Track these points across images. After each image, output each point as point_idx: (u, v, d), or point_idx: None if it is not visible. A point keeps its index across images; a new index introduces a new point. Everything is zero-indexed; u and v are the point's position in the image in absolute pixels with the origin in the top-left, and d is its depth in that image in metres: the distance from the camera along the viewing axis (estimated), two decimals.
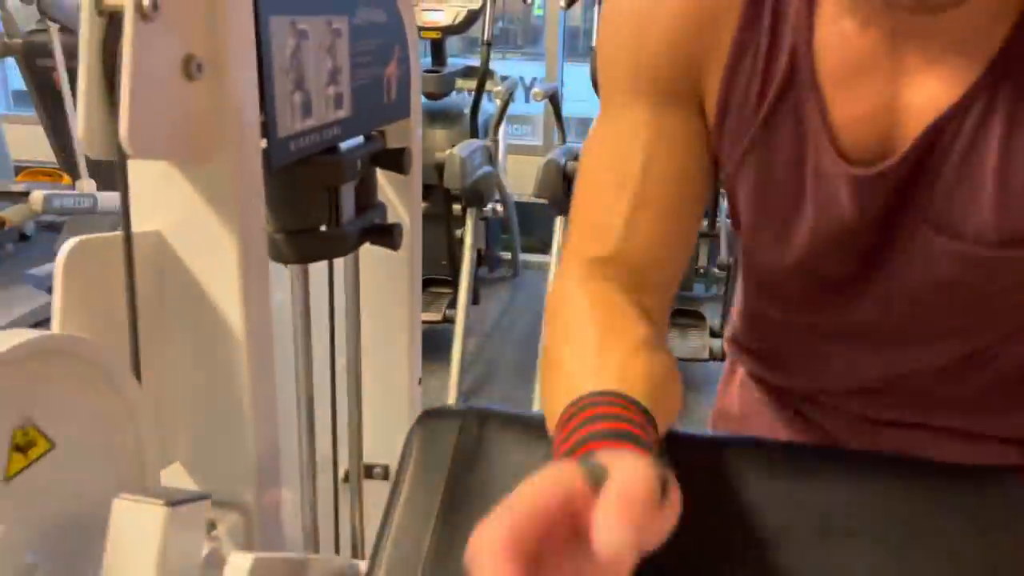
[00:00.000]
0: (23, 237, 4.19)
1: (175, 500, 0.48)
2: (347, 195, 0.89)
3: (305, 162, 0.79)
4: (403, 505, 0.56)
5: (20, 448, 0.49)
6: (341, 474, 1.16)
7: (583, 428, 0.44)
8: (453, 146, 2.77)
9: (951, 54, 0.51)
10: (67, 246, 0.58)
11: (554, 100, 3.30)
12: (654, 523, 0.37)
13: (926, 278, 0.57)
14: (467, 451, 0.58)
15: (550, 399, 0.51)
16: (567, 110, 3.46)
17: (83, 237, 0.59)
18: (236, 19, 0.64)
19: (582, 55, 2.90)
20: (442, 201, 2.95)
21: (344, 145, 0.88)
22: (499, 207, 3.39)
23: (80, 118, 0.56)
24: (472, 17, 3.23)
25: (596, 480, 0.36)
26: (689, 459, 0.50)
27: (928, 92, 0.52)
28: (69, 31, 3.36)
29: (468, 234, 2.92)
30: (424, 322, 2.93)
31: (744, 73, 0.55)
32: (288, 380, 0.97)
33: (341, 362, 1.08)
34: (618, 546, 0.34)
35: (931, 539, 0.51)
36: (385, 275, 1.07)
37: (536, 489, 0.36)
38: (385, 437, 1.06)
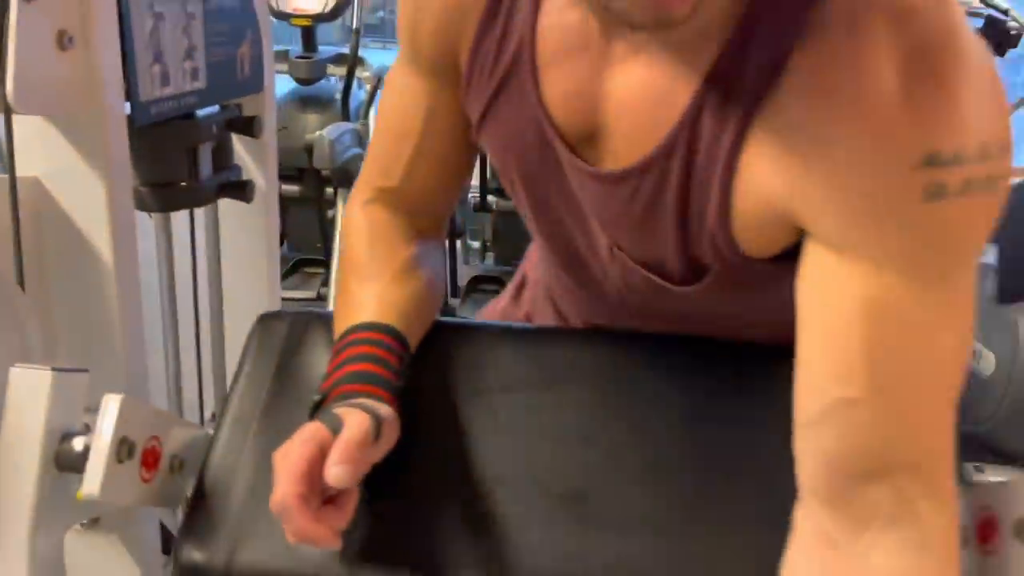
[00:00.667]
0: None
1: (59, 368, 0.64)
2: (204, 155, 1.04)
3: (165, 124, 0.94)
4: (242, 384, 0.73)
5: None
6: (208, 416, 1.31)
7: (340, 369, 0.62)
8: (322, 129, 2.89)
9: (652, 83, 0.55)
10: None
11: None
12: (371, 455, 0.57)
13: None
14: (292, 345, 0.75)
15: (335, 321, 0.68)
16: None
17: None
18: (102, 4, 0.78)
19: None
20: (314, 183, 3.06)
21: (201, 112, 1.03)
22: None
23: None
24: (342, 5, 3.35)
25: (335, 429, 0.56)
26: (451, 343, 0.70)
27: (630, 79, 0.56)
28: None
29: (339, 215, 3.05)
30: (299, 299, 3.04)
31: (483, 54, 0.64)
32: (157, 328, 1.11)
33: (204, 314, 1.22)
34: (336, 478, 0.53)
35: (638, 385, 0.71)
36: (244, 230, 1.23)
37: (298, 446, 0.55)
38: None
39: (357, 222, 0.75)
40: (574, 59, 0.59)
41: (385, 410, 0.60)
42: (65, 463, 0.63)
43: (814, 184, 0.49)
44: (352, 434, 0.55)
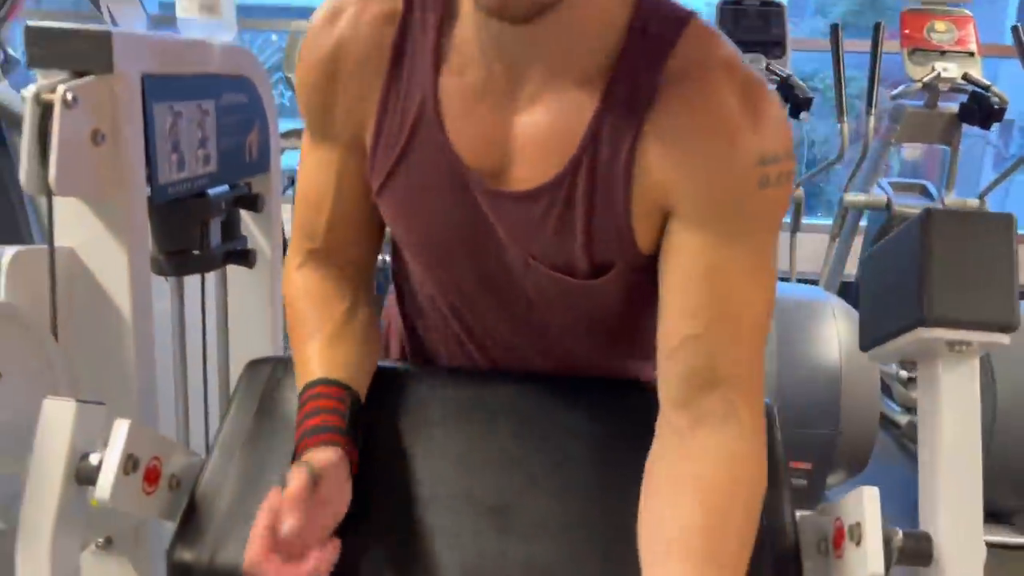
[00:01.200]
0: None
1: (82, 400, 0.79)
2: (214, 227, 1.21)
3: (180, 201, 1.11)
4: (231, 416, 0.88)
5: None
6: None
7: (301, 425, 0.74)
8: None
9: (542, 143, 0.71)
10: (10, 251, 0.89)
11: None
12: (330, 498, 0.70)
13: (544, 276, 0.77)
14: (273, 385, 0.90)
15: (296, 378, 0.80)
16: None
17: (21, 248, 0.90)
18: (129, 105, 0.96)
19: None
20: None
21: (212, 191, 1.21)
22: None
23: (23, 168, 0.87)
24: None
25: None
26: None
27: (525, 159, 0.72)
28: None
29: None
30: None
31: (389, 117, 0.74)
32: (169, 381, 1.26)
33: (212, 361, 1.38)
34: (288, 529, 0.65)
35: (553, 418, 0.85)
36: (250, 291, 1.39)
37: (261, 513, 0.66)
38: None
39: (294, 287, 0.85)
40: (480, 110, 0.72)
41: (326, 456, 0.71)
42: (83, 478, 0.78)
43: (684, 180, 0.68)
44: (290, 490, 0.66)
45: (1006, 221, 0.69)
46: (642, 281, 0.76)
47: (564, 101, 0.70)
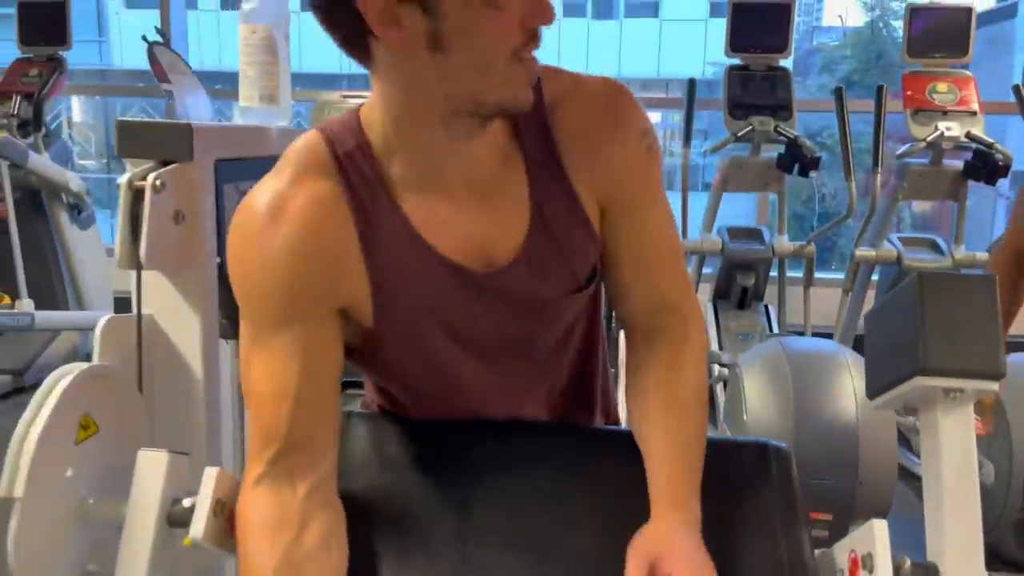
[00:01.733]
0: None
1: (172, 451, 0.88)
2: None
3: None
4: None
5: (83, 427, 0.89)
6: None
7: None
8: None
9: (507, 210, 0.85)
10: (103, 319, 1.00)
11: None
12: None
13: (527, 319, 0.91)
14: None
15: None
16: None
17: (112, 315, 1.01)
18: (205, 189, 1.09)
19: None
20: None
21: None
22: None
23: (117, 245, 0.99)
24: None
25: None
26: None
27: (500, 232, 0.85)
28: (17, 167, 3.74)
29: None
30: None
31: (374, 255, 0.82)
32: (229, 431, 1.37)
33: None
34: None
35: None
36: None
37: None
38: None
39: (245, 513, 0.83)
40: (448, 219, 0.84)
41: None
42: (175, 521, 0.87)
43: (609, 174, 0.88)
44: None
45: (990, 282, 0.79)
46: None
47: (502, 174, 0.86)
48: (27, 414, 0.83)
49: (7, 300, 3.86)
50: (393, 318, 0.85)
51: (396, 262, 0.83)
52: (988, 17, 11.80)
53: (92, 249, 4.33)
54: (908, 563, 0.79)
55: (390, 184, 0.83)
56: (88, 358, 3.39)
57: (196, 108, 1.28)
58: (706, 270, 3.95)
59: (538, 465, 0.95)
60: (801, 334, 3.62)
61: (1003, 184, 3.66)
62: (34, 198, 4.03)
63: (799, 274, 3.83)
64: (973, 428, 0.81)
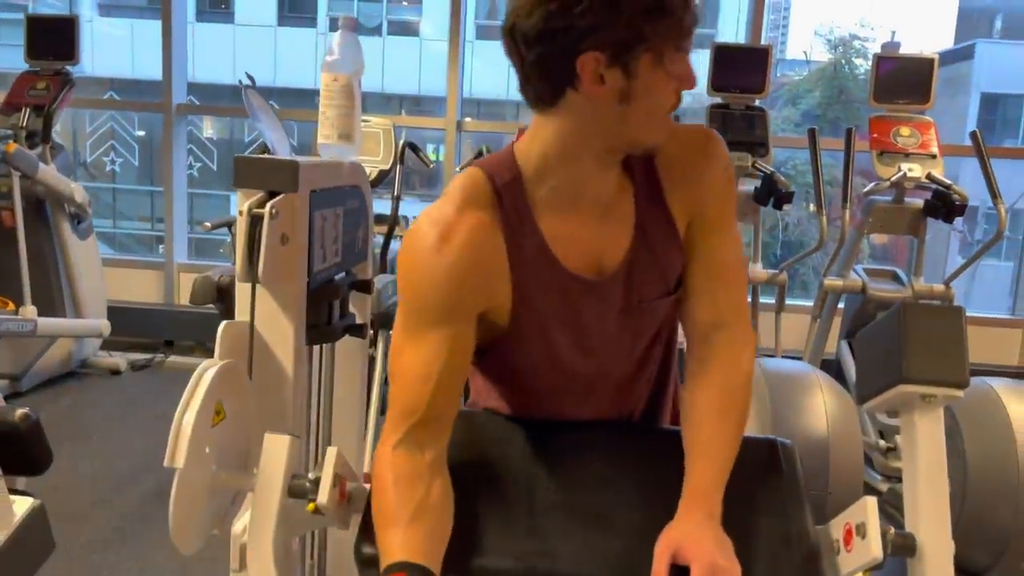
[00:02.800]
0: None
1: (291, 434, 1.06)
2: (336, 306, 1.51)
3: (320, 286, 1.41)
4: None
5: (217, 412, 1.07)
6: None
7: None
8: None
9: (616, 226, 1.07)
10: (222, 324, 1.18)
11: None
12: None
13: (627, 318, 1.11)
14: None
15: (380, 557, 0.96)
16: None
17: (228, 321, 1.20)
18: (303, 215, 1.27)
19: None
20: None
21: (337, 277, 1.51)
22: None
23: (238, 263, 1.17)
24: (382, 176, 3.95)
25: None
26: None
27: (610, 244, 1.07)
28: (27, 177, 3.86)
29: (379, 352, 3.51)
30: None
31: (517, 270, 1.04)
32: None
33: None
34: None
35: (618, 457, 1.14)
36: (346, 356, 1.68)
37: None
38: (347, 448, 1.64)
39: (383, 468, 1.01)
40: (572, 235, 1.07)
41: None
42: (295, 492, 1.05)
43: (697, 198, 1.10)
44: None
45: (958, 312, 1.02)
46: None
47: (615, 197, 1.08)
48: (183, 401, 1.01)
49: (11, 306, 3.96)
50: (526, 319, 1.07)
51: (533, 273, 1.05)
52: (946, 57, 12.31)
53: (90, 258, 4.44)
54: (892, 531, 1.00)
55: (535, 207, 1.05)
56: (84, 364, 3.52)
57: (279, 144, 1.47)
58: None
59: (604, 458, 1.15)
60: (772, 356, 3.85)
61: (957, 221, 3.94)
62: (38, 207, 4.15)
63: (770, 300, 4.09)
64: (943, 425, 1.03)
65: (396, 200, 3.81)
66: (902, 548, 1.01)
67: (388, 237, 3.78)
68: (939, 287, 3.86)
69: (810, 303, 4.08)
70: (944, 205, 3.75)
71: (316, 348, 1.58)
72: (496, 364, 1.16)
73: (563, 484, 1.10)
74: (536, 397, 1.18)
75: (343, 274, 1.57)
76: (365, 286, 1.59)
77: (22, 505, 1.11)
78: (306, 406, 1.47)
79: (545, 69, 0.97)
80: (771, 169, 3.80)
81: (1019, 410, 2.55)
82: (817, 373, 2.85)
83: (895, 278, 3.95)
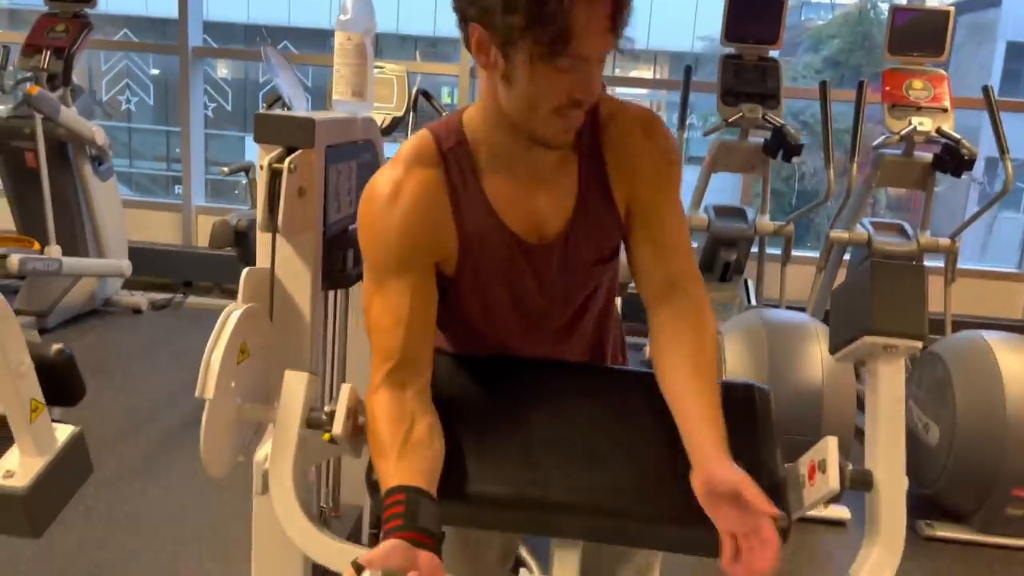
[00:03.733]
0: None
1: (311, 371, 1.17)
2: (350, 255, 1.61)
3: (336, 236, 1.50)
4: None
5: (242, 351, 1.18)
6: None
7: (387, 523, 0.96)
8: None
9: (559, 195, 1.14)
10: (245, 270, 1.28)
11: None
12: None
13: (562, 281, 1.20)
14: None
15: (380, 484, 1.04)
16: None
17: (250, 268, 1.30)
18: (319, 169, 1.36)
19: None
20: None
21: (351, 227, 1.60)
22: None
23: (259, 214, 1.26)
24: (396, 122, 4.00)
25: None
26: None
27: (552, 211, 1.15)
28: (49, 120, 3.95)
29: None
30: None
31: (461, 221, 1.12)
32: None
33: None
34: None
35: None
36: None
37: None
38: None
39: (371, 409, 1.11)
40: (515, 194, 1.15)
41: (381, 549, 0.91)
42: (312, 424, 1.16)
43: (638, 179, 1.16)
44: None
45: (920, 271, 1.10)
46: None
47: (559, 167, 1.15)
48: (211, 340, 1.12)
49: (37, 246, 4.08)
50: (469, 270, 1.17)
51: (476, 229, 1.14)
52: (972, 4, 12.01)
53: (111, 200, 4.55)
54: (850, 467, 1.10)
55: (478, 171, 1.13)
56: (107, 303, 3.65)
57: (297, 99, 1.55)
58: (692, 244, 4.25)
59: (576, 394, 1.25)
60: (777, 307, 3.94)
61: (978, 169, 3.95)
62: (60, 149, 4.24)
63: (778, 251, 4.15)
64: (903, 373, 1.12)
65: None
66: (860, 482, 1.11)
67: None
68: (944, 241, 3.90)
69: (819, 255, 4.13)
70: (953, 159, 3.77)
71: (332, 293, 1.68)
72: (444, 309, 1.22)
73: (549, 422, 1.20)
74: (480, 338, 1.28)
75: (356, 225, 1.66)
76: None
77: (63, 432, 1.22)
78: (322, 346, 1.58)
79: (460, 26, 1.05)
80: (781, 121, 3.83)
81: (1010, 361, 2.63)
82: (816, 324, 2.94)
83: (901, 231, 3.99)
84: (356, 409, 1.17)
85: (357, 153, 1.57)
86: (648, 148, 1.16)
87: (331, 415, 1.13)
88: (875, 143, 3.96)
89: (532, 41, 0.96)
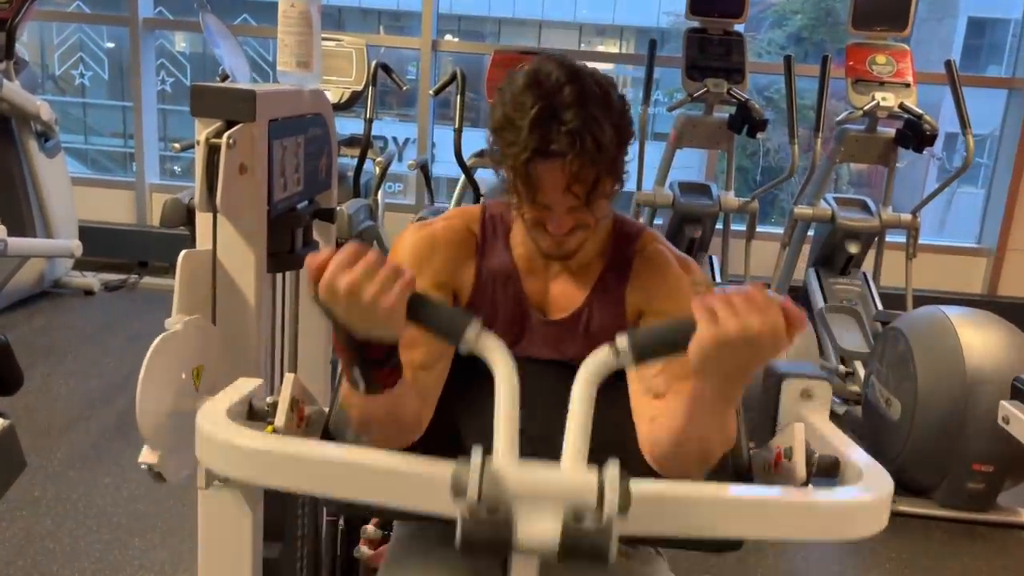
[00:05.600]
0: None
1: (256, 357, 1.11)
2: (298, 235, 1.53)
3: (282, 215, 1.43)
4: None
5: (196, 375, 1.11)
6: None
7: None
8: (340, 204, 3.39)
9: (577, 283, 1.17)
10: (182, 253, 1.21)
11: (424, 169, 3.99)
12: None
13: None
14: None
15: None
16: (436, 171, 4.15)
17: (188, 250, 1.22)
18: (262, 144, 1.28)
19: (450, 119, 3.60)
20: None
21: (300, 206, 1.53)
22: None
23: (197, 193, 1.19)
24: (355, 97, 3.90)
25: None
26: None
27: (566, 295, 1.17)
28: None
29: None
30: None
31: (483, 274, 1.17)
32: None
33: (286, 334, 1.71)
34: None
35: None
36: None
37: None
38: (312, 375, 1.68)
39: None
40: (539, 274, 1.19)
41: None
42: (253, 416, 1.10)
43: (658, 307, 1.14)
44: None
45: None
46: None
47: (587, 264, 1.18)
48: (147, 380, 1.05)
49: None
50: (476, 310, 1.16)
51: (495, 279, 1.18)
52: None
53: (59, 177, 4.39)
54: (816, 455, 1.06)
55: (511, 233, 1.19)
56: (56, 284, 3.53)
57: (238, 70, 1.47)
58: (657, 220, 4.23)
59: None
60: (741, 283, 3.93)
61: (937, 145, 3.97)
62: (3, 125, 4.07)
63: (742, 227, 4.14)
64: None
65: (368, 123, 3.77)
66: (826, 471, 1.07)
67: (361, 159, 3.76)
68: (906, 216, 3.92)
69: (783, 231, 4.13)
70: (915, 135, 3.78)
71: (279, 276, 1.61)
72: None
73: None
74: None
75: (306, 203, 1.59)
76: (328, 214, 1.61)
77: None
78: (270, 331, 1.51)
79: None
80: (745, 96, 3.80)
81: (970, 336, 2.63)
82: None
83: (864, 207, 4.00)
84: (301, 400, 1.11)
85: (304, 127, 1.50)
86: (680, 272, 1.18)
87: (274, 406, 1.07)
88: (838, 118, 3.95)
89: (504, 155, 1.03)
